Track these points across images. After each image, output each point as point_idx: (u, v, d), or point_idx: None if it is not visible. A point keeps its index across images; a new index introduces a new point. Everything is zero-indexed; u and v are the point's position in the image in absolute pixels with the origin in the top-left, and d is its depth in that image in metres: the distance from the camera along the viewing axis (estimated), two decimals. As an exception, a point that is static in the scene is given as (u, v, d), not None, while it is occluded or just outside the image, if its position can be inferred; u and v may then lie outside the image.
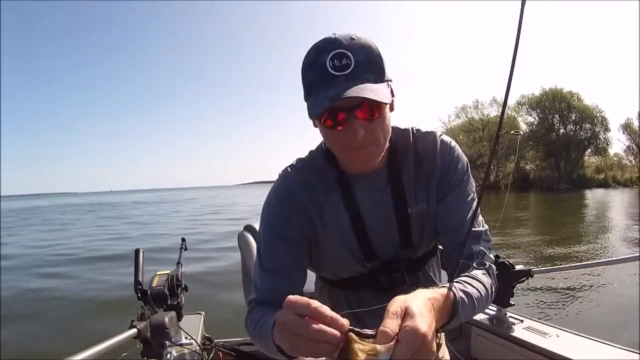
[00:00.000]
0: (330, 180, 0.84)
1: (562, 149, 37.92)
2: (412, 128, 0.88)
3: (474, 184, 0.87)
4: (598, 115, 37.86)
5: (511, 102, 39.71)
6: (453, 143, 0.87)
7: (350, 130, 0.70)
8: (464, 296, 0.67)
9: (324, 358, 0.52)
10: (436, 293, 0.61)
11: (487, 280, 0.76)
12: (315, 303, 0.51)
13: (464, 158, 0.86)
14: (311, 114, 0.72)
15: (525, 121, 40.01)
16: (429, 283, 0.94)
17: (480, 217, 0.84)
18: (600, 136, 38.39)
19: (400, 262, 0.86)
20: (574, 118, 38.42)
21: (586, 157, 39.30)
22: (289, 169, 0.88)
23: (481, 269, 0.77)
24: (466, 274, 0.75)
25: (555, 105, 38.62)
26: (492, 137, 38.69)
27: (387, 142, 0.78)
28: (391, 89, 0.76)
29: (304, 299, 0.52)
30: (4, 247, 11.15)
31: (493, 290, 0.78)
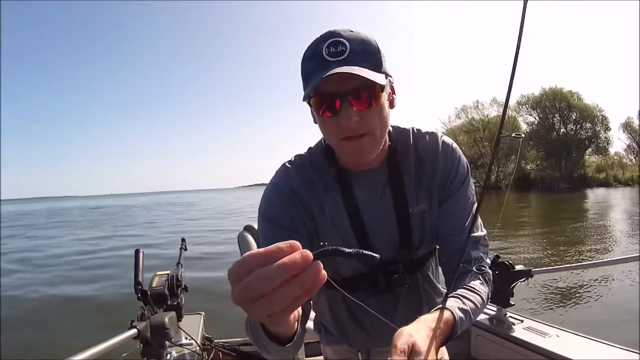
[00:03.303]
0: (330, 178, 0.83)
1: (563, 148, 37.79)
2: (413, 128, 0.87)
3: (473, 187, 0.87)
4: (598, 114, 37.76)
5: (512, 102, 39.65)
6: (454, 145, 0.86)
7: (343, 116, 0.68)
8: (462, 315, 0.68)
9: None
10: (437, 320, 0.63)
11: (484, 289, 0.77)
12: (252, 252, 0.38)
13: (465, 160, 0.86)
14: (305, 98, 0.71)
15: (525, 121, 40.01)
16: (428, 284, 0.95)
17: (479, 221, 0.84)
18: (601, 135, 38.29)
19: (399, 263, 0.86)
20: (574, 117, 38.33)
21: (587, 157, 39.15)
22: (287, 165, 0.86)
23: (479, 278, 0.77)
24: (465, 285, 0.75)
25: (556, 105, 38.56)
26: (493, 138, 38.54)
27: (384, 137, 0.77)
28: (392, 86, 0.76)
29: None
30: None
31: (488, 298, 0.79)
